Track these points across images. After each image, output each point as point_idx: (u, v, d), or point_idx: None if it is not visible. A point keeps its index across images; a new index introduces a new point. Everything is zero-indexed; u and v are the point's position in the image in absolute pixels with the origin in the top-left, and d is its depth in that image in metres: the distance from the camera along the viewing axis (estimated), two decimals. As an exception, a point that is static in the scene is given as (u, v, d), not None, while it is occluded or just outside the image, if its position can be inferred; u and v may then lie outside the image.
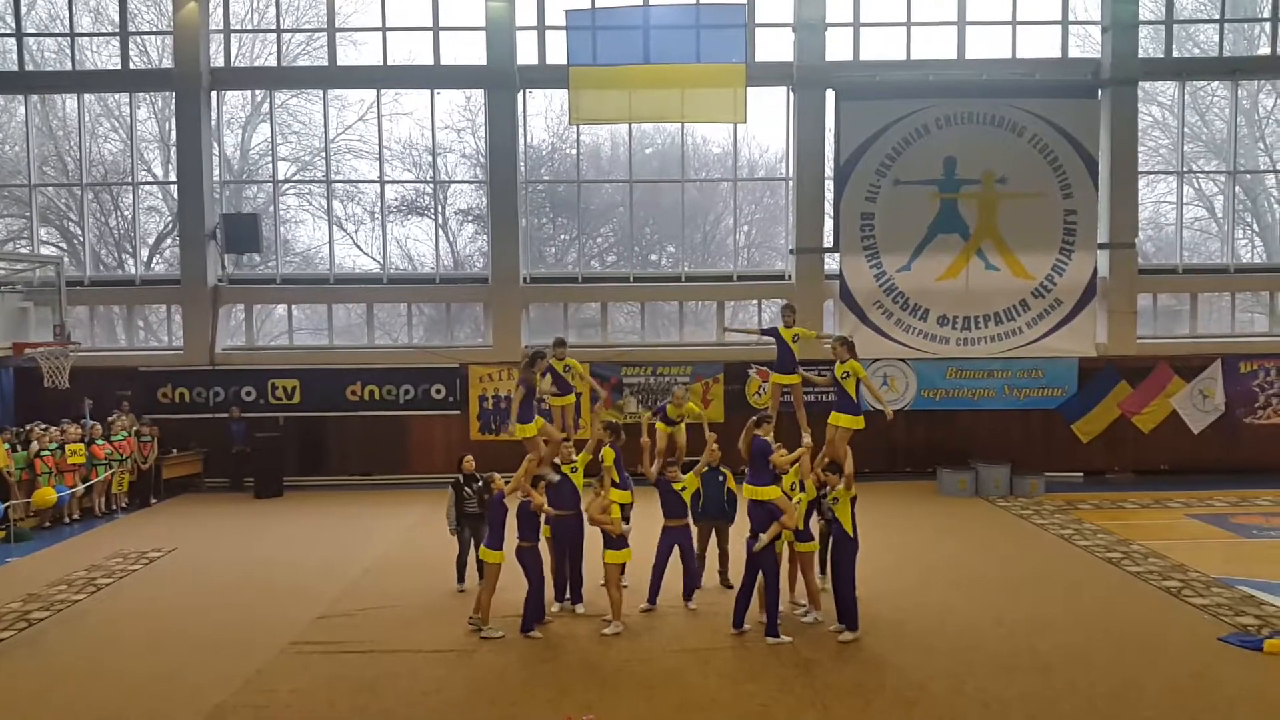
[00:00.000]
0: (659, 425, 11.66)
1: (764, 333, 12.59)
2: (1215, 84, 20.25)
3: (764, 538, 9.66)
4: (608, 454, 10.59)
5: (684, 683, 8.70)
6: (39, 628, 10.55)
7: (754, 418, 10.22)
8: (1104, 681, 8.60)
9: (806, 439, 10.71)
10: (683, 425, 11.75)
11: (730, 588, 10.72)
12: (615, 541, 10.13)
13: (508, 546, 9.97)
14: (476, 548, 11.08)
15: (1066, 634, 9.84)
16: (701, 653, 9.44)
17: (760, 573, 9.77)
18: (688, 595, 10.72)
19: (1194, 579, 11.72)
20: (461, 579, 11.68)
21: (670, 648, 9.58)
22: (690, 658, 9.31)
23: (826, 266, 19.17)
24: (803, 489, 10.26)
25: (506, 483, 10.05)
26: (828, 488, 9.93)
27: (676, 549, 10.62)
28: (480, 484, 11.40)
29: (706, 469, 10.84)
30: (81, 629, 10.50)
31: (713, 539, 11.32)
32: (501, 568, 9.96)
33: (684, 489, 10.55)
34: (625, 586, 10.49)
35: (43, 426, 16.11)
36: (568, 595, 10.81)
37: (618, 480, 10.55)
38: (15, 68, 19.43)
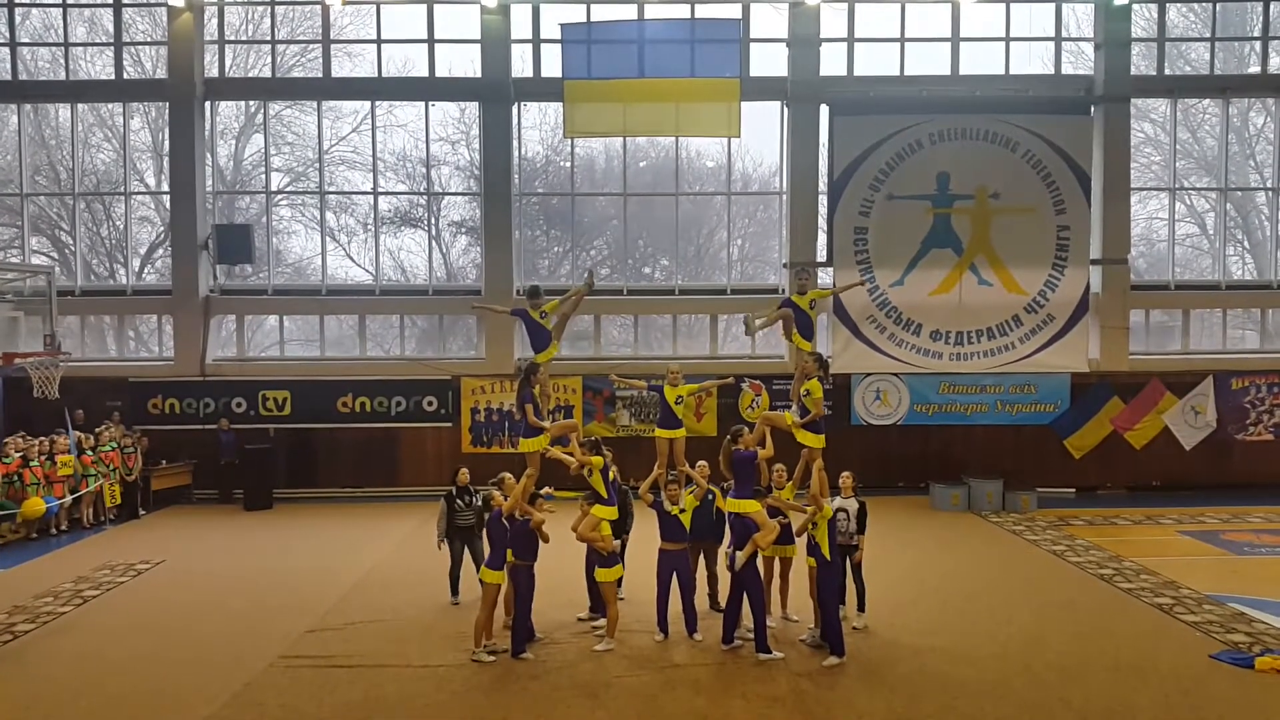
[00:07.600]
0: (658, 431, 11.25)
1: (781, 306, 12.24)
2: (1206, 101, 20.38)
3: (740, 556, 9.63)
4: (596, 462, 10.40)
5: (674, 699, 8.65)
6: (24, 640, 10.46)
7: (729, 434, 10.12)
8: (1096, 699, 8.58)
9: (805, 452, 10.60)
10: (683, 432, 11.05)
11: (720, 610, 10.52)
12: (606, 559, 10.08)
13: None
14: (475, 562, 11.13)
15: (1059, 651, 9.83)
16: (692, 669, 9.40)
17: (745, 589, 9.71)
18: (691, 628, 10.28)
19: (1185, 596, 11.72)
20: (455, 592, 11.56)
21: (660, 664, 9.53)
22: (680, 674, 9.27)
23: (820, 281, 19.18)
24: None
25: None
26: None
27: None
28: (476, 499, 11.36)
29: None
30: (67, 642, 10.41)
31: (700, 560, 11.02)
32: (501, 588, 9.82)
33: (683, 511, 10.19)
34: (622, 599, 10.55)
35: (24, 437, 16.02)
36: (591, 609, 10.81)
37: (605, 496, 10.31)
38: (9, 77, 19.39)
